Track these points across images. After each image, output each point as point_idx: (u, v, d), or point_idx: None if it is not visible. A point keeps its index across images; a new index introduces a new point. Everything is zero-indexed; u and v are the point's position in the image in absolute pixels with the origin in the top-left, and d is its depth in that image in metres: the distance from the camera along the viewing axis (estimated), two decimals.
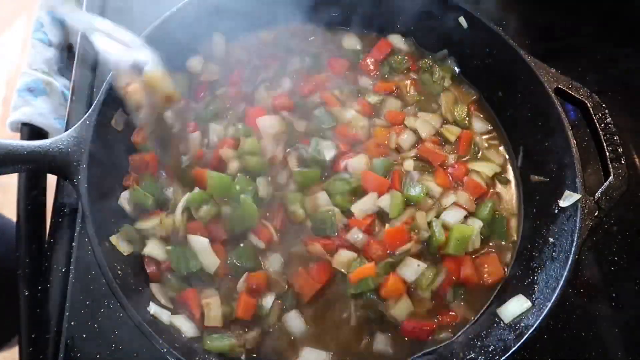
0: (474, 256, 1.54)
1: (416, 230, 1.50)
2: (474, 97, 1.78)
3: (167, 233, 1.45)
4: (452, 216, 1.54)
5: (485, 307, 1.50)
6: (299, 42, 1.79)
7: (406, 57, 1.80)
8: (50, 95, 1.74)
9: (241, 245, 1.46)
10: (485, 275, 1.52)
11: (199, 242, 1.41)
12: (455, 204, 1.57)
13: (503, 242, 1.58)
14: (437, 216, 1.53)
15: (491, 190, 1.64)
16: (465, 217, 1.55)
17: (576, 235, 1.39)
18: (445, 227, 1.51)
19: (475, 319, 1.49)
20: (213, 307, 1.38)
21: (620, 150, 1.47)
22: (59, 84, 1.79)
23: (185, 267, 1.39)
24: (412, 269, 1.45)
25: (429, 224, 1.51)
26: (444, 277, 1.48)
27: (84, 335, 1.41)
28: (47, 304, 1.43)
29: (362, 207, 1.50)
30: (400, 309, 1.42)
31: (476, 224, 1.53)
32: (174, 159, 1.55)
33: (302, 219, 1.51)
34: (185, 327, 1.38)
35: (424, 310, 1.46)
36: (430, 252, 1.50)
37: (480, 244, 1.53)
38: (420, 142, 1.66)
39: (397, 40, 1.83)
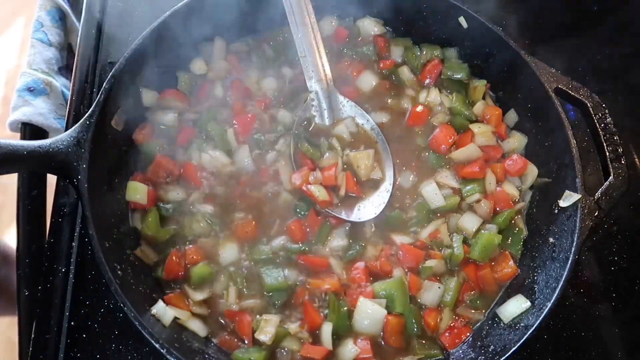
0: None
1: (441, 249, 1.52)
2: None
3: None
4: (469, 223, 1.55)
5: (492, 305, 1.51)
6: None
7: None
8: (50, 95, 1.74)
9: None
10: (499, 274, 1.52)
11: None
12: (473, 211, 1.58)
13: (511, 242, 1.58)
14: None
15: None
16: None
17: (576, 235, 1.39)
18: (464, 236, 1.54)
19: (485, 317, 1.50)
20: (270, 323, 1.39)
21: (620, 150, 1.47)
22: (59, 84, 1.79)
23: None
24: (433, 291, 1.46)
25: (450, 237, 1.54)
26: (463, 284, 1.50)
27: (84, 335, 1.41)
28: (47, 304, 1.43)
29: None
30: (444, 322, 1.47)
31: (491, 229, 1.54)
32: None
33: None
34: (197, 327, 1.40)
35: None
36: (450, 268, 1.52)
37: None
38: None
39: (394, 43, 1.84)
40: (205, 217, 1.53)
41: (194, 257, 1.47)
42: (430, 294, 1.46)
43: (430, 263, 1.49)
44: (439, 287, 1.46)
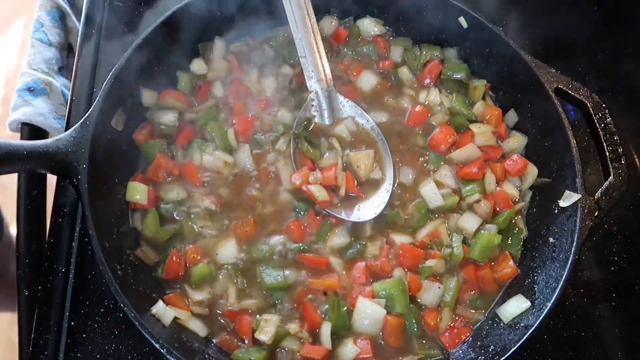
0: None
1: (440, 249, 1.52)
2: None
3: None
4: (469, 223, 1.54)
5: (492, 305, 1.51)
6: None
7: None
8: (50, 95, 1.74)
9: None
10: (499, 274, 1.52)
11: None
12: (473, 211, 1.57)
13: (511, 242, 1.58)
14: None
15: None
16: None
17: (576, 235, 1.39)
18: (464, 236, 1.54)
19: (485, 317, 1.50)
20: (270, 323, 1.39)
21: (620, 150, 1.47)
22: (59, 84, 1.79)
23: None
24: (433, 291, 1.46)
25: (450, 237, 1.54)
26: (463, 284, 1.50)
27: (84, 335, 1.41)
28: (47, 304, 1.43)
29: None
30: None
31: (491, 229, 1.54)
32: None
33: None
34: (197, 327, 1.40)
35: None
36: (450, 267, 1.51)
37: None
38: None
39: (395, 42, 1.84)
40: (206, 216, 1.53)
41: (194, 256, 1.47)
42: (430, 294, 1.46)
43: (429, 263, 1.48)
44: (439, 287, 1.46)
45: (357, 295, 1.43)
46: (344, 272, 1.48)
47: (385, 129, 1.67)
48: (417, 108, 1.70)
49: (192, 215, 1.53)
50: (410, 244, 1.51)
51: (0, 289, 2.13)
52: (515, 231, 1.57)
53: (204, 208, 1.53)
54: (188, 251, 1.47)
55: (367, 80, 1.75)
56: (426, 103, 1.73)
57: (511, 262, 1.52)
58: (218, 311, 1.44)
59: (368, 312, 1.40)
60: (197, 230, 1.51)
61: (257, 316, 1.42)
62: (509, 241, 1.56)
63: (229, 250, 1.49)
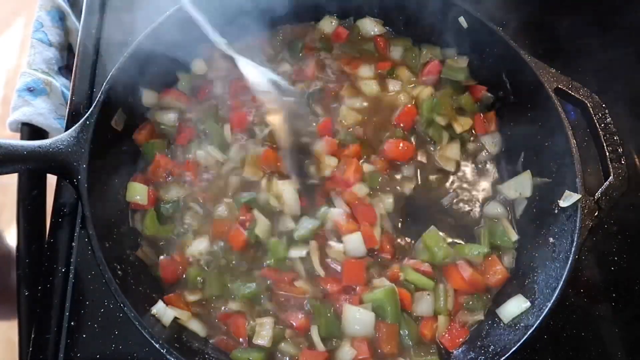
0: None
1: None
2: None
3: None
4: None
5: (490, 305, 1.50)
6: None
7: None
8: (50, 95, 1.74)
9: None
10: (489, 277, 1.51)
11: None
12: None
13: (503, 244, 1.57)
14: None
15: None
16: None
17: (576, 235, 1.39)
18: None
19: (484, 317, 1.49)
20: (265, 327, 1.39)
21: (620, 150, 1.47)
22: (59, 84, 1.79)
23: None
24: (424, 300, 1.45)
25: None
26: (452, 289, 1.49)
27: (84, 335, 1.41)
28: (47, 304, 1.43)
29: None
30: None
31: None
32: None
33: None
34: (197, 327, 1.40)
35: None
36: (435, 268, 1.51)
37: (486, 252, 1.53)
38: None
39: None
40: (195, 215, 1.53)
41: (181, 259, 1.47)
42: (422, 304, 1.45)
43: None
44: (428, 295, 1.45)
45: (342, 302, 1.42)
46: (310, 286, 1.46)
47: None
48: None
49: (187, 213, 1.53)
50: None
51: (0, 302, 2.11)
52: (505, 238, 1.56)
53: (193, 206, 1.54)
54: (174, 255, 1.47)
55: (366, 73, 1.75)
56: (413, 103, 1.72)
57: (500, 267, 1.51)
58: (212, 313, 1.44)
59: (357, 318, 1.39)
60: (186, 228, 1.51)
61: (251, 322, 1.41)
62: (499, 242, 1.55)
63: (199, 246, 1.47)
